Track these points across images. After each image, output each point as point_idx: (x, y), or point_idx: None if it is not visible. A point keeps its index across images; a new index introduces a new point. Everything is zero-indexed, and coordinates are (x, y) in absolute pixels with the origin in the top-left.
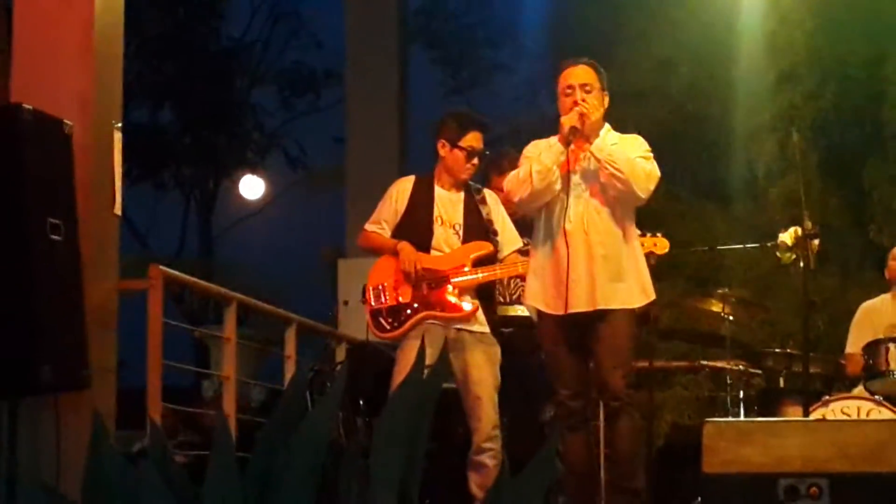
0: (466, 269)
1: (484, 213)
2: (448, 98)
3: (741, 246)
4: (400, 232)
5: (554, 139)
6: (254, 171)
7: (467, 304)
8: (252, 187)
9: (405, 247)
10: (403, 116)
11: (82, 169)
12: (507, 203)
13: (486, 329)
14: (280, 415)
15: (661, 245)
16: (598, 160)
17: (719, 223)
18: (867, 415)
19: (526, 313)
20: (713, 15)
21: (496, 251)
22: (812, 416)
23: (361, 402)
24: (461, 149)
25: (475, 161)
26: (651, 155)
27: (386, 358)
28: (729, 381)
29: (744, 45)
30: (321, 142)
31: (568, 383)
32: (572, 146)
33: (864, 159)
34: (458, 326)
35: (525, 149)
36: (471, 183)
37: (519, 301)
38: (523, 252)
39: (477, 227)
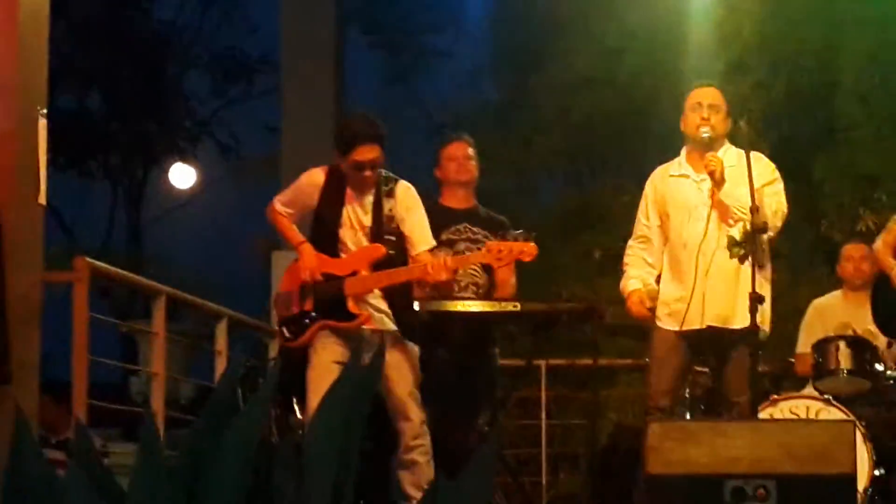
0: (363, 273)
1: (386, 208)
2: (388, 84)
3: None
4: (310, 229)
5: (676, 168)
6: (184, 159)
7: (359, 312)
8: (182, 176)
9: (305, 251)
10: (340, 104)
11: (5, 157)
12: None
13: (395, 327)
14: (210, 412)
15: (529, 251)
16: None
17: None
18: (816, 415)
19: (472, 308)
20: (661, 2)
21: (390, 252)
22: (760, 416)
23: (295, 400)
24: (351, 162)
25: (367, 173)
26: (778, 177)
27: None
28: None
29: (692, 34)
30: (254, 130)
31: None
32: None
33: (816, 152)
34: (372, 328)
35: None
36: (384, 174)
37: (468, 296)
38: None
39: (379, 225)
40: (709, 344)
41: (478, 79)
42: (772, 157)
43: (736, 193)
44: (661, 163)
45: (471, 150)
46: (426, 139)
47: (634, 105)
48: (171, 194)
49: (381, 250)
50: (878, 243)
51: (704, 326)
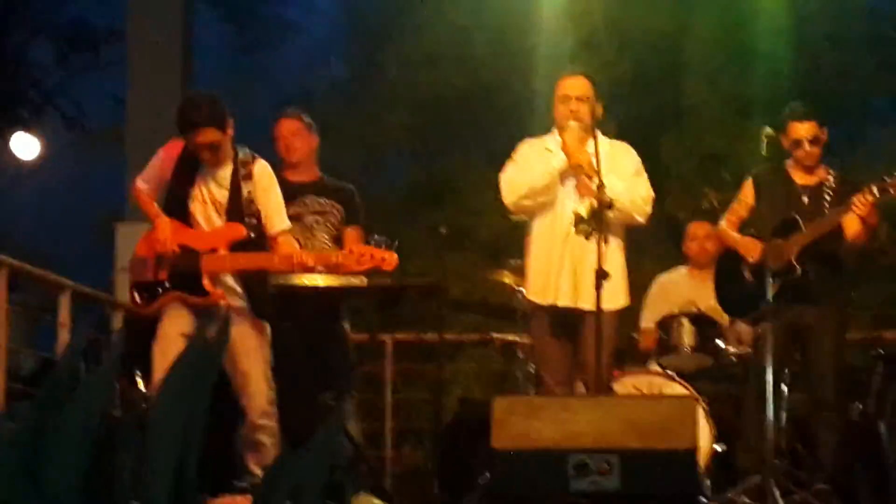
0: (220, 252)
1: (245, 190)
2: (236, 58)
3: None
4: (164, 204)
5: (548, 143)
6: (28, 129)
7: (213, 289)
8: (25, 146)
9: (161, 222)
10: (188, 76)
11: None
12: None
13: (245, 304)
14: (52, 385)
15: (389, 261)
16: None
17: None
18: (659, 390)
19: (318, 283)
20: None
21: (251, 234)
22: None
23: (139, 373)
24: (189, 144)
25: (205, 155)
26: (643, 167)
27: None
28: (520, 355)
29: (542, 12)
30: (100, 101)
31: None
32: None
33: (662, 131)
34: (225, 304)
35: (518, 148)
36: (242, 153)
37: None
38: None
39: (236, 205)
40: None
41: (327, 53)
42: (619, 136)
43: (608, 182)
44: (509, 139)
45: (300, 125)
46: (271, 113)
47: (483, 82)
48: (14, 164)
49: (242, 231)
50: (722, 222)
51: (571, 304)
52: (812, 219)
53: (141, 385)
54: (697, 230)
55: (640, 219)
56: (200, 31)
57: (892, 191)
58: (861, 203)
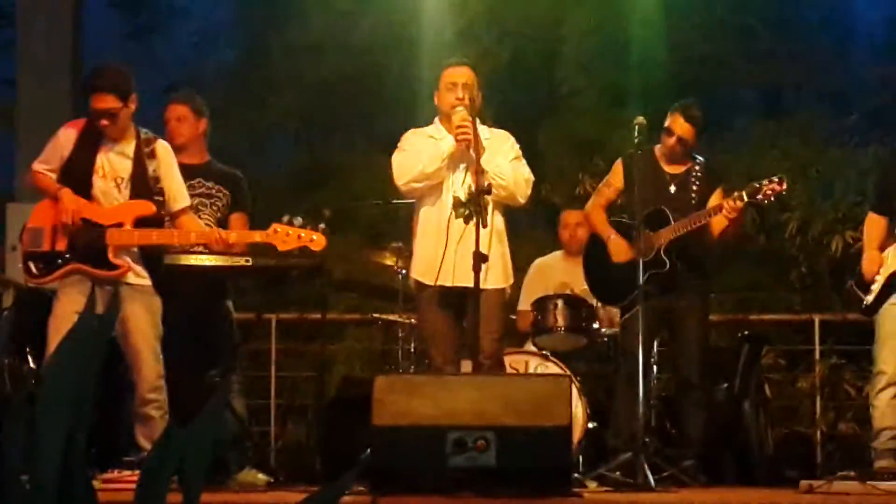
0: (126, 227)
1: (150, 168)
2: (125, 42)
3: (414, 202)
4: (63, 179)
5: (430, 132)
6: None
7: (120, 263)
8: None
9: (66, 195)
10: (78, 59)
11: None
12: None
13: (146, 281)
14: None
15: (318, 241)
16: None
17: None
18: (535, 370)
19: (205, 262)
20: None
21: (160, 211)
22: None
23: (28, 349)
24: (90, 109)
25: (103, 122)
26: (521, 154)
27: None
28: (401, 335)
29: (424, 2)
30: None
31: None
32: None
33: (539, 118)
34: (117, 280)
35: (403, 137)
36: (143, 133)
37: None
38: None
39: (142, 183)
40: (456, 300)
41: (215, 38)
42: (496, 123)
43: (494, 162)
44: (391, 124)
45: (186, 110)
46: (161, 98)
47: (366, 68)
48: None
49: (150, 208)
50: (589, 206)
51: (456, 284)
52: (679, 206)
53: (31, 361)
54: (569, 218)
55: (522, 199)
56: (91, 16)
57: (760, 196)
58: (731, 209)
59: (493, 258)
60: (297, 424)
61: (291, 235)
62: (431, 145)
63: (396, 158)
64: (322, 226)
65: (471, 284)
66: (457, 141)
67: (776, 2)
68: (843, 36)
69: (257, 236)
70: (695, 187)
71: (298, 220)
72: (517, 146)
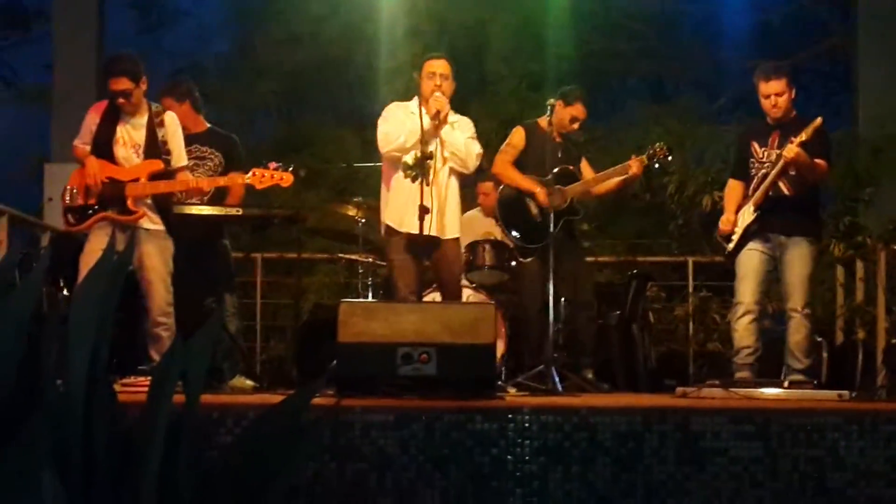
0: (143, 181)
1: (160, 134)
2: (139, 35)
3: (372, 164)
4: (94, 150)
5: (412, 107)
6: None
7: (136, 209)
8: None
9: (90, 162)
10: (101, 49)
11: None
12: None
13: (160, 226)
14: None
15: (286, 179)
16: (444, 143)
17: (356, 146)
18: (468, 299)
19: (205, 212)
20: None
21: (167, 168)
22: (426, 299)
23: (62, 280)
24: (108, 91)
25: (120, 101)
26: (475, 135)
27: (82, 245)
28: (360, 271)
29: (381, 4)
30: (32, 67)
31: None
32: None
33: (471, 101)
34: (135, 225)
35: (387, 109)
36: (155, 107)
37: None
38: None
39: (153, 147)
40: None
41: (212, 34)
42: None
43: (454, 135)
44: (353, 104)
45: (170, 102)
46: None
47: (333, 58)
48: None
49: (159, 165)
50: (502, 163)
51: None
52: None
53: (64, 289)
54: (483, 188)
55: (471, 167)
56: (112, 14)
57: (653, 152)
58: (638, 167)
59: (452, 214)
60: (278, 341)
61: (266, 176)
62: (412, 121)
63: (382, 128)
64: (291, 167)
65: (434, 234)
66: (432, 120)
67: (660, 6)
68: (714, 35)
69: (239, 178)
70: (572, 155)
71: (274, 165)
72: (473, 129)
